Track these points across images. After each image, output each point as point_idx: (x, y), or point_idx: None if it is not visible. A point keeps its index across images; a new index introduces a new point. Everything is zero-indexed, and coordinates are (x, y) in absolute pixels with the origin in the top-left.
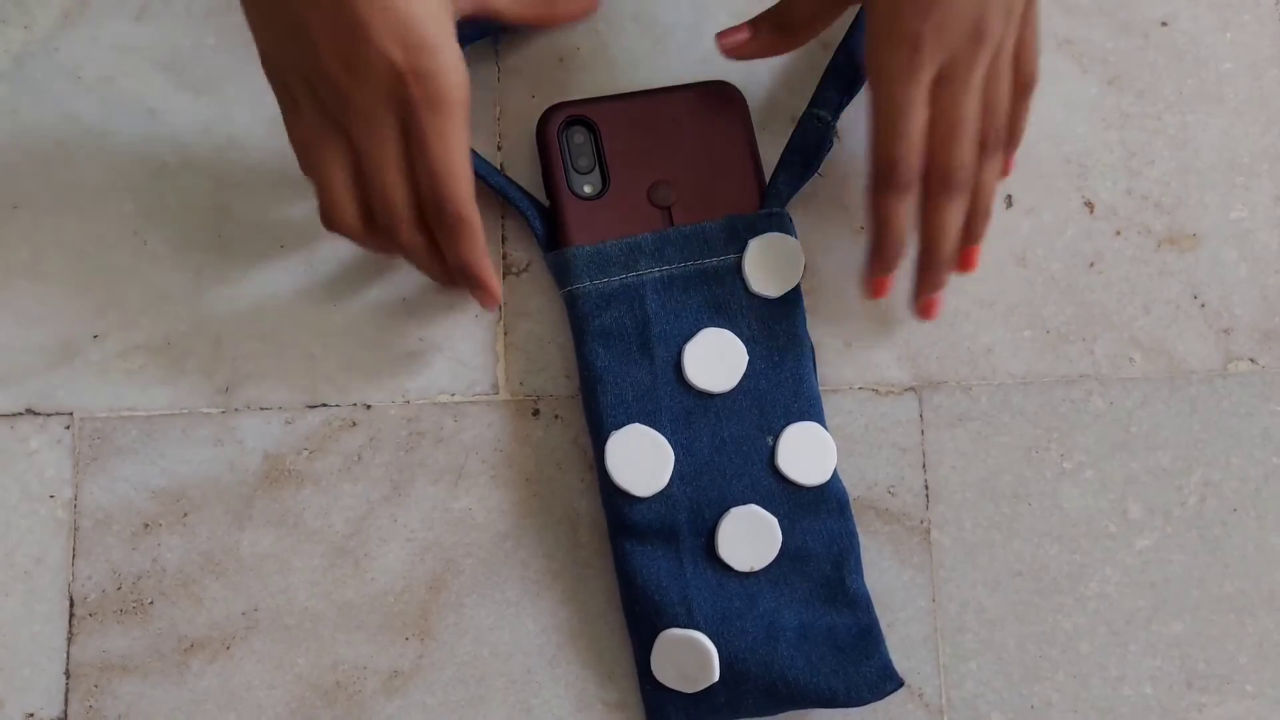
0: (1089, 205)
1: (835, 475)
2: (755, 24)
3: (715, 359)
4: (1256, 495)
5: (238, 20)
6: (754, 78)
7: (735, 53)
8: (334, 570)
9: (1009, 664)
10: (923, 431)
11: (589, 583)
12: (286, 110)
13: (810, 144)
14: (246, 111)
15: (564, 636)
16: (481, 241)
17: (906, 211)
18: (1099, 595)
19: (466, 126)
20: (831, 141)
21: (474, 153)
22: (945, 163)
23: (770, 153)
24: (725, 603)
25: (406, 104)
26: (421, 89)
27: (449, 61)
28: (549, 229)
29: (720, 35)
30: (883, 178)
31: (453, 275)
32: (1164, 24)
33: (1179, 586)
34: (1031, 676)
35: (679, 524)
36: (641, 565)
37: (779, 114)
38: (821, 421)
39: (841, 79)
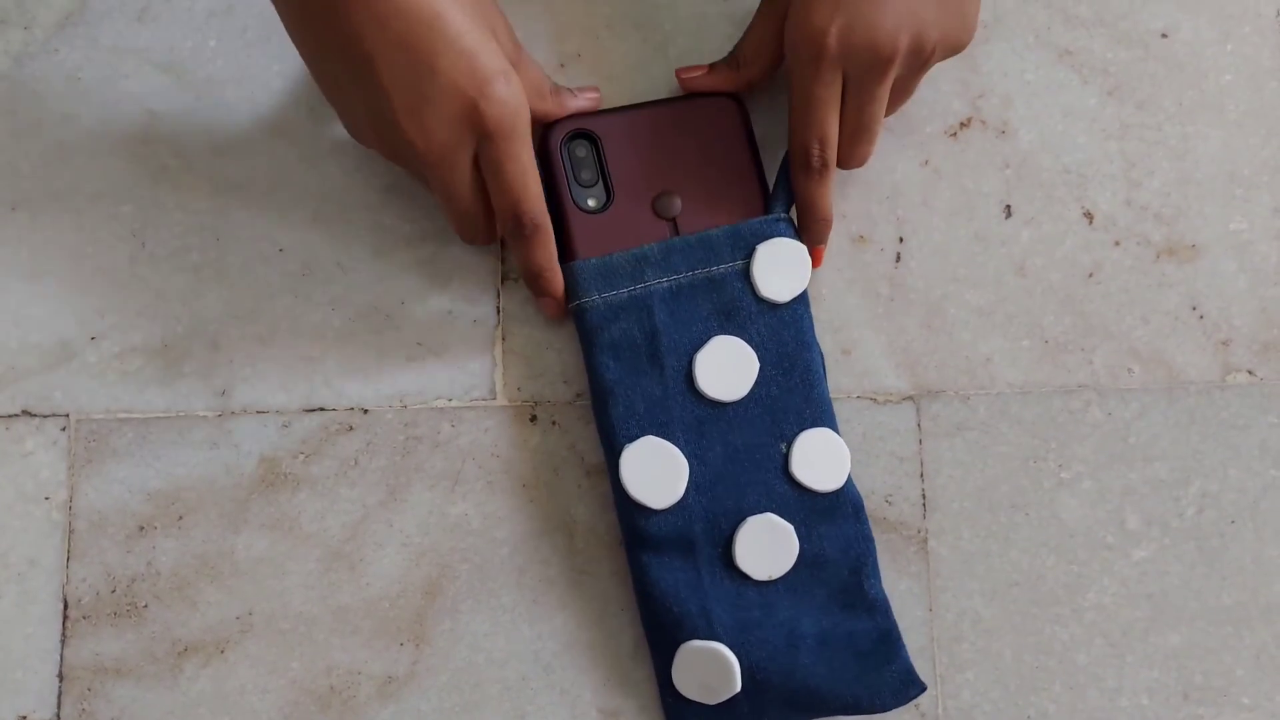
0: (1088, 215)
1: (849, 480)
2: (714, 64)
3: (726, 367)
4: (1254, 507)
5: (239, 22)
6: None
7: (691, 86)
8: (329, 575)
9: (1006, 674)
10: (920, 441)
11: (586, 589)
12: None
13: None
14: (247, 114)
15: (560, 643)
16: (553, 246)
17: (825, 192)
18: (1096, 606)
19: (531, 144)
20: None
21: None
22: (862, 158)
23: (771, 158)
24: (744, 612)
25: (478, 132)
26: (493, 116)
27: (515, 88)
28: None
29: (680, 71)
30: (797, 163)
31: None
32: (1164, 35)
33: (1176, 598)
34: (1028, 687)
35: (695, 535)
36: (659, 577)
37: (779, 121)
38: (834, 426)
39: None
